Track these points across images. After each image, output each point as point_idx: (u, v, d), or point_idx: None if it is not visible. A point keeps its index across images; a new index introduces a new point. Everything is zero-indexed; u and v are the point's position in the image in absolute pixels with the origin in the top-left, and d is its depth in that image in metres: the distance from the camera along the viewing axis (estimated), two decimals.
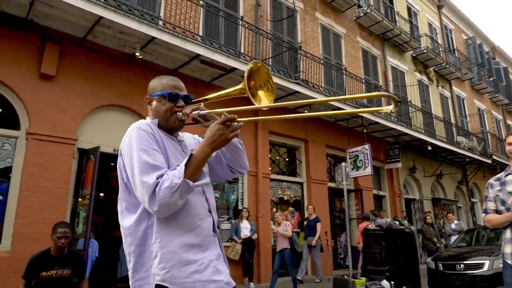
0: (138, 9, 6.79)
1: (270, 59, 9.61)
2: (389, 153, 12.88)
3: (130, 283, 1.42)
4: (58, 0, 5.50)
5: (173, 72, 7.75)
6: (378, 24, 13.66)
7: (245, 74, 1.40)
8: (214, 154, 1.65)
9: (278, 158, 10.68)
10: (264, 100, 1.48)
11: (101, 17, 5.92)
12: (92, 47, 6.74)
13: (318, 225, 8.63)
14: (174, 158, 1.46)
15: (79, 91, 6.51)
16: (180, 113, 1.50)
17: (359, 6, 13.51)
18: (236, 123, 1.37)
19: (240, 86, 1.42)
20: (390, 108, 1.19)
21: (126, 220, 1.44)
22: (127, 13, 6.27)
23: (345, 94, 11.02)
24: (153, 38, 6.54)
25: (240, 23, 8.78)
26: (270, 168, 9.72)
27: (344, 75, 11.21)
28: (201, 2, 8.20)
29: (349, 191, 11.71)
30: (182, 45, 6.79)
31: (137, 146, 1.36)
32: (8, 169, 5.90)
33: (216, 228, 1.57)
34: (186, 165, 1.32)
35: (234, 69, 7.79)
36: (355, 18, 13.38)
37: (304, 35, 11.13)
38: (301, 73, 10.01)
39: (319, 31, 11.76)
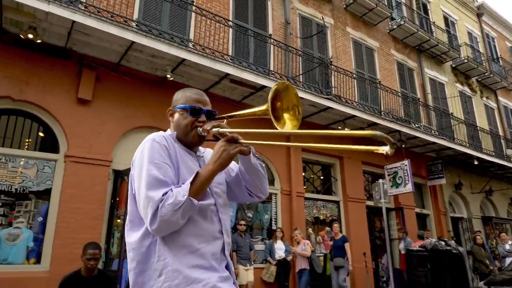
0: (168, 33, 6.99)
1: (301, 75, 9.52)
2: (431, 169, 12.18)
3: None
4: (93, 28, 5.76)
5: (204, 92, 7.86)
6: (413, 36, 13.24)
7: (270, 95, 1.30)
8: (233, 175, 1.62)
9: (312, 176, 10.41)
10: (287, 124, 1.37)
11: (133, 42, 6.13)
12: (126, 71, 6.98)
13: (347, 246, 7.95)
14: (188, 174, 1.39)
15: (113, 114, 6.71)
16: (201, 129, 1.46)
17: (392, 19, 13.20)
18: (241, 144, 1.35)
19: (264, 107, 1.33)
20: (385, 149, 1.03)
21: (130, 235, 1.40)
22: (158, 37, 6.46)
23: (380, 108, 10.66)
24: (183, 60, 6.67)
25: (270, 41, 8.81)
26: (304, 187, 9.48)
27: (379, 89, 10.87)
28: (230, 23, 8.33)
29: (389, 209, 11.15)
30: (211, 65, 6.87)
31: (148, 159, 1.34)
32: (48, 191, 6.13)
33: (227, 251, 1.47)
34: (191, 183, 1.28)
35: (263, 87, 7.75)
36: (388, 31, 13.07)
37: (335, 50, 10.97)
38: (333, 89, 9.82)
39: (350, 45, 11.57)
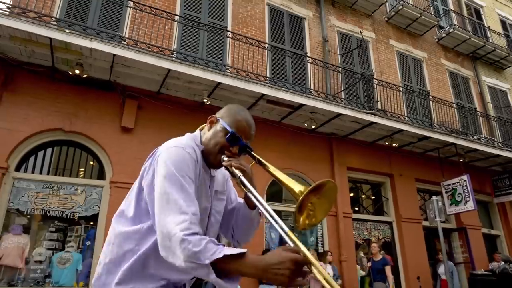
0: (203, 59, 7.21)
1: (342, 92, 9.27)
2: (497, 184, 11.01)
3: None
4: (132, 60, 6.11)
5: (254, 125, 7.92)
6: (465, 43, 12.41)
7: (312, 186, 1.10)
8: (229, 208, 1.52)
9: (361, 196, 9.89)
10: (303, 220, 1.16)
11: (169, 70, 6.39)
12: (166, 98, 7.27)
13: (388, 269, 7.20)
14: (203, 197, 1.33)
15: (155, 140, 6.92)
16: (226, 159, 1.34)
17: (440, 27, 12.53)
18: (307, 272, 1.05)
19: (298, 190, 1.14)
20: None
21: (118, 226, 1.31)
22: (192, 63, 6.68)
23: (432, 121, 9.96)
24: (218, 83, 6.80)
25: (310, 60, 8.73)
26: (353, 208, 9.02)
27: (429, 101, 10.21)
28: (266, 46, 8.42)
29: (450, 230, 10.21)
30: (246, 87, 6.93)
31: (175, 168, 1.20)
32: (96, 216, 6.43)
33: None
34: (228, 255, 1.03)
35: (301, 105, 7.63)
36: (436, 40, 12.39)
37: (379, 64, 10.59)
38: (378, 103, 9.41)
39: (395, 58, 11.10)
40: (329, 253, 7.46)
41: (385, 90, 9.34)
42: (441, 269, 7.95)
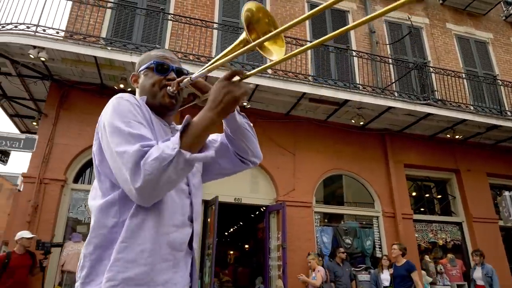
0: (239, 62, 7.17)
1: (393, 84, 8.64)
2: None
3: None
4: None
5: (286, 116, 7.75)
6: None
7: (244, 24, 1.07)
8: (216, 145, 1.35)
9: (425, 195, 9.09)
10: (276, 51, 1.12)
11: (206, 77, 6.44)
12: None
13: (415, 276, 5.86)
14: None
15: None
16: (171, 88, 1.22)
17: (508, 3, 11.20)
18: (241, 79, 1.07)
19: (241, 38, 1.11)
20: None
21: (93, 204, 1.14)
22: (229, 68, 6.68)
23: (503, 107, 8.87)
24: (256, 85, 6.71)
25: (354, 53, 8.30)
26: (415, 208, 8.33)
27: (498, 86, 9.12)
28: (308, 44, 8.16)
29: None
30: (285, 87, 6.75)
31: (115, 118, 1.05)
32: None
33: (196, 244, 1.21)
34: (182, 133, 0.98)
35: (346, 101, 7.23)
36: (503, 18, 11.09)
37: (435, 51, 9.73)
38: (436, 93, 8.63)
39: (454, 43, 10.13)
40: (384, 258, 6.90)
41: (444, 78, 8.52)
42: (477, 273, 6.67)
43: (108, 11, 7.31)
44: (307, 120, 7.87)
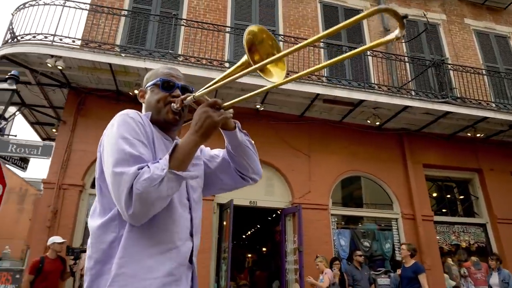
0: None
1: (410, 83, 8.45)
2: None
3: None
4: (185, 75, 6.30)
5: (300, 117, 7.68)
6: None
7: (245, 47, 1.12)
8: (218, 161, 1.42)
9: (447, 196, 8.82)
10: (277, 73, 1.18)
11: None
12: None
13: (423, 278, 5.53)
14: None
15: None
16: (175, 104, 1.26)
17: None
18: (226, 110, 1.17)
19: (241, 61, 1.18)
20: (395, 33, 0.82)
21: (91, 222, 1.17)
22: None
23: None
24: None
25: (368, 53, 8.17)
26: (436, 209, 8.11)
27: None
28: (321, 45, 8.09)
29: None
30: (298, 88, 6.69)
31: (118, 135, 1.10)
32: None
33: (194, 258, 1.23)
34: (170, 155, 1.06)
35: (361, 101, 7.11)
36: None
37: (453, 48, 9.48)
38: (455, 90, 8.40)
39: (473, 38, 9.84)
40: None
41: (463, 75, 8.28)
42: (494, 279, 6.26)
43: (123, 19, 7.44)
44: (322, 121, 7.78)
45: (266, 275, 11.20)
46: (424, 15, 8.77)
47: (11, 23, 6.74)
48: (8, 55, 6.24)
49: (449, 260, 7.90)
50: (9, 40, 6.48)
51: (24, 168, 5.40)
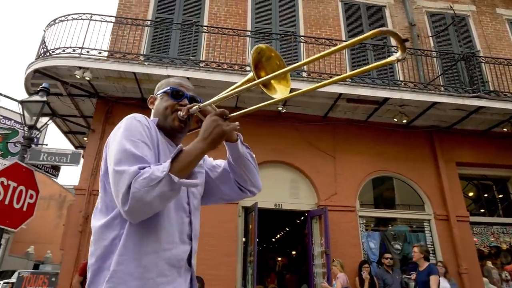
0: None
1: (439, 78, 8.13)
2: None
3: None
4: (206, 80, 6.40)
5: (324, 118, 7.57)
6: None
7: (251, 64, 1.16)
8: (219, 171, 1.46)
9: (486, 195, 8.37)
10: (281, 90, 1.22)
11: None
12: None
13: (433, 280, 5.04)
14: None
15: None
16: (181, 112, 1.32)
17: None
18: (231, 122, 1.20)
19: (248, 77, 1.22)
20: (397, 56, 0.86)
21: (94, 221, 1.21)
22: None
23: None
24: (291, 89, 6.61)
25: (392, 50, 7.95)
26: (472, 210, 7.72)
27: None
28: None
29: None
30: (320, 89, 6.58)
31: (124, 136, 1.14)
32: None
33: (193, 261, 1.26)
34: (173, 159, 1.08)
35: (386, 99, 6.91)
36: None
37: (485, 39, 9.04)
38: (488, 84, 8.00)
39: (507, 28, 9.35)
40: (439, 264, 6.41)
41: (497, 68, 7.86)
42: None
43: (146, 28, 7.65)
44: (347, 121, 7.63)
45: (296, 279, 11.07)
46: (451, 7, 8.43)
47: (43, 39, 7.11)
48: (40, 69, 6.58)
49: (489, 263, 7.47)
50: (42, 55, 6.84)
51: (55, 176, 5.66)
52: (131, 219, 1.07)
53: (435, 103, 6.92)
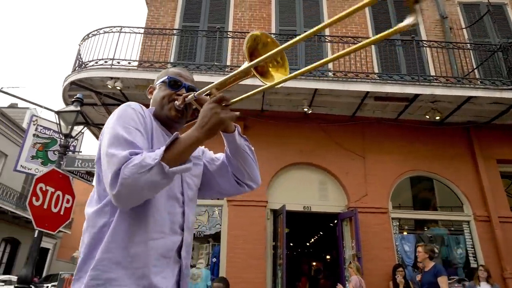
0: (291, 68, 7.10)
1: (474, 71, 7.73)
2: None
3: None
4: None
5: (352, 118, 7.41)
6: None
7: (246, 53, 1.14)
8: (217, 164, 1.44)
9: None
10: (278, 76, 1.18)
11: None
12: (270, 115, 7.39)
13: (442, 282, 4.72)
14: None
15: (263, 157, 7.09)
16: (178, 102, 1.30)
17: None
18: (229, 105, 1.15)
19: (243, 67, 1.16)
20: (410, 21, 0.75)
21: (87, 208, 1.21)
22: None
23: None
24: (315, 90, 6.56)
25: (425, 43, 7.66)
26: None
27: None
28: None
29: None
30: (346, 88, 6.48)
31: (117, 122, 1.13)
32: (218, 234, 6.86)
33: (185, 253, 1.22)
34: (167, 148, 1.05)
35: (416, 96, 6.66)
36: None
37: None
38: None
39: None
40: (481, 268, 6.03)
41: None
42: None
43: (174, 37, 7.88)
44: (376, 120, 7.42)
45: (330, 284, 10.85)
46: None
47: (78, 52, 7.52)
48: (76, 81, 6.95)
49: None
50: (77, 68, 7.23)
51: (90, 181, 5.93)
52: (120, 205, 1.06)
53: (470, 97, 6.57)
